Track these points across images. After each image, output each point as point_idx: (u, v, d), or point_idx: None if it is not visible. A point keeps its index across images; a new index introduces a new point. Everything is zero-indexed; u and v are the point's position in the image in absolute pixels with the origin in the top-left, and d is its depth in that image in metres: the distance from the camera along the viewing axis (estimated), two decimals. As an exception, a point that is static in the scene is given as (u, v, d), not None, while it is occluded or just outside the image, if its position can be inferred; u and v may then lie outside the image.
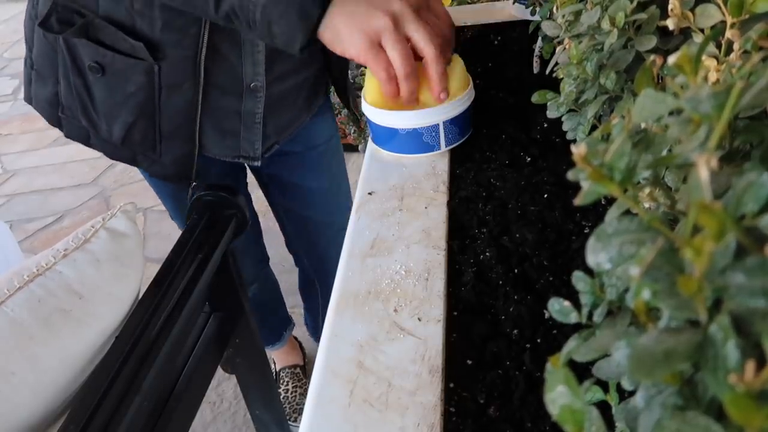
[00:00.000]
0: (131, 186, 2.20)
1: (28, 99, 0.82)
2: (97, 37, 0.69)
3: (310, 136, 0.93)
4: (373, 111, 0.64)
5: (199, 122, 0.74)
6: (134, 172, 0.86)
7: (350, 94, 0.90)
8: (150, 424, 0.60)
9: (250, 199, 1.00)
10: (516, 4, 0.91)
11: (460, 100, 0.62)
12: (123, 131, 0.75)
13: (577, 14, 0.45)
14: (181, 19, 0.65)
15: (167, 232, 1.88)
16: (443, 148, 0.64)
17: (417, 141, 0.63)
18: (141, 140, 0.75)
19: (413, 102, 0.57)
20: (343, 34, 0.50)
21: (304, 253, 1.13)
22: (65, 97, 0.77)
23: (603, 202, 0.52)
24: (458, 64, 0.61)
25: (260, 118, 0.79)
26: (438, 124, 0.62)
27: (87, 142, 0.81)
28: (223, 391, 1.43)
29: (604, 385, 0.29)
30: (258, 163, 0.83)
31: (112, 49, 0.69)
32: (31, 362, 0.52)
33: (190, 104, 0.73)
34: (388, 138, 0.65)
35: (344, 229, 0.57)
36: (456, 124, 0.63)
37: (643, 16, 0.38)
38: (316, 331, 1.37)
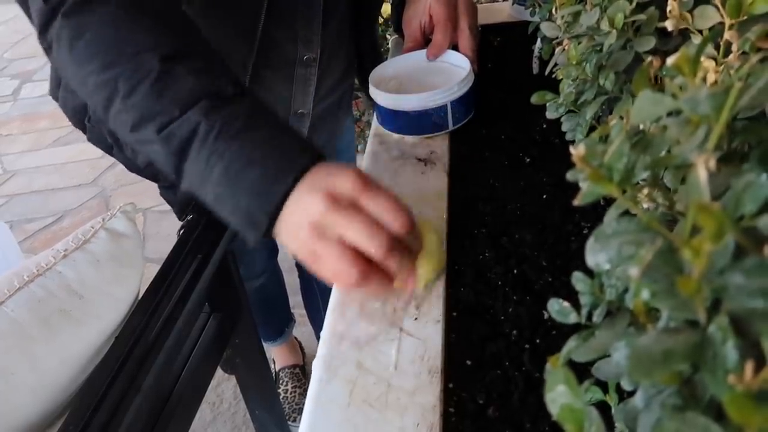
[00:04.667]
0: (131, 186, 2.20)
1: (54, 97, 0.80)
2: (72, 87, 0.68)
3: (336, 140, 0.95)
4: (382, 95, 0.67)
5: None
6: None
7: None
8: (150, 424, 0.60)
9: None
10: (515, 5, 0.92)
11: (464, 81, 0.65)
12: (147, 160, 0.74)
13: (576, 15, 0.45)
14: (225, 51, 0.59)
15: (167, 233, 1.88)
16: (451, 127, 0.67)
17: (426, 122, 0.66)
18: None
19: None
20: (290, 246, 0.47)
21: None
22: (94, 113, 0.76)
23: (602, 203, 0.52)
24: (430, 234, 0.49)
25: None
26: (446, 105, 0.65)
27: (109, 153, 0.80)
28: (223, 391, 1.43)
29: (603, 386, 0.29)
30: None
31: None
32: (31, 362, 0.52)
33: None
34: (398, 120, 0.67)
35: None
36: (462, 103, 0.66)
37: (642, 17, 0.38)
38: (319, 330, 1.38)
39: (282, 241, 0.48)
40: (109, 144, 0.79)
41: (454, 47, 0.74)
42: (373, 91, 0.68)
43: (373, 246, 0.43)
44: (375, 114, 0.72)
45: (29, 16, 0.54)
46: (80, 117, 0.79)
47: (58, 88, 0.79)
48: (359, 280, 0.44)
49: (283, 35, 0.72)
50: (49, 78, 0.81)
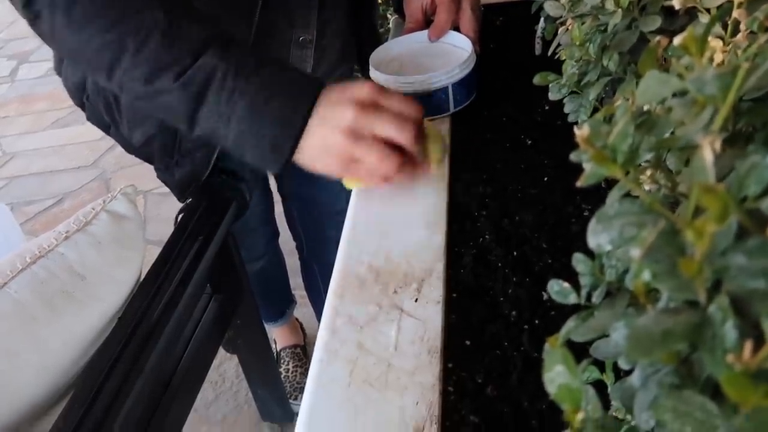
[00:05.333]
0: (131, 168, 2.19)
1: (58, 72, 0.80)
2: (65, 57, 0.67)
3: None
4: (383, 77, 0.66)
5: None
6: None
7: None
8: (153, 404, 0.61)
9: (267, 177, 1.00)
10: (518, -17, 0.90)
11: (465, 62, 0.64)
12: (143, 138, 0.74)
13: (581, -6, 0.44)
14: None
15: (167, 215, 1.88)
16: (452, 109, 0.66)
17: (427, 104, 0.65)
18: (160, 150, 0.75)
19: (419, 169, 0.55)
20: (317, 162, 0.52)
21: (304, 232, 1.14)
22: (91, 90, 0.76)
23: (603, 185, 0.52)
24: (432, 131, 0.57)
25: None
26: (447, 87, 0.64)
27: (107, 132, 0.80)
28: (225, 370, 1.44)
29: (600, 365, 0.29)
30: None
31: None
32: (35, 343, 0.52)
33: None
34: None
35: (343, 211, 0.57)
36: (463, 85, 0.65)
37: (647, -4, 0.37)
38: (319, 311, 1.39)
39: (307, 161, 0.52)
40: (107, 123, 0.78)
41: (456, 28, 0.73)
42: (374, 73, 0.68)
43: (403, 136, 0.50)
44: None
45: None
46: (80, 94, 0.78)
47: (61, 62, 0.78)
48: (396, 168, 0.50)
49: (279, 15, 0.71)
50: (53, 52, 0.80)
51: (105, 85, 0.56)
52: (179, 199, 0.79)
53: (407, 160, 0.52)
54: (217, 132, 0.51)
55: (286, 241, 1.19)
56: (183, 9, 0.51)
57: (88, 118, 0.81)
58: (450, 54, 0.71)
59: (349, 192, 0.59)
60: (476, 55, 0.67)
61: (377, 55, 0.71)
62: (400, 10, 0.84)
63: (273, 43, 0.73)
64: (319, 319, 1.49)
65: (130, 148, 0.79)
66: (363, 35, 0.84)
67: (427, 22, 0.77)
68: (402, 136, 0.50)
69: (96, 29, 0.50)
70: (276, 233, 1.14)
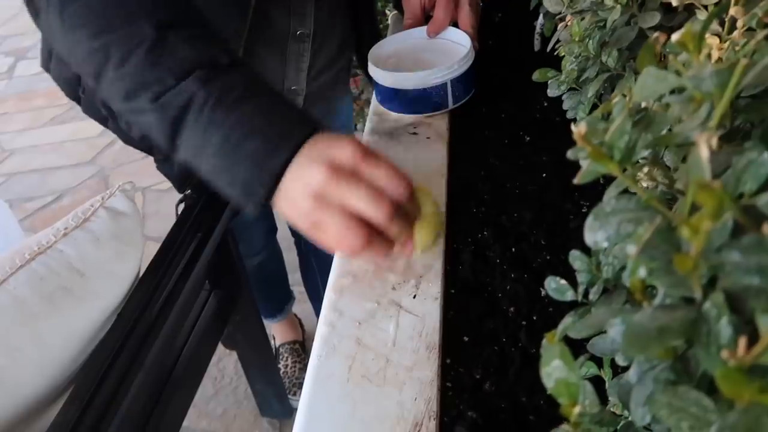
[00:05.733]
0: (130, 165, 2.19)
1: (46, 68, 0.78)
2: (60, 55, 0.64)
3: (331, 119, 0.95)
4: (381, 73, 0.66)
5: None
6: (133, 152, 0.86)
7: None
8: (153, 399, 0.61)
9: None
10: (518, -21, 0.90)
11: (464, 58, 0.64)
12: (141, 130, 0.73)
13: (580, -10, 0.44)
14: (217, 23, 0.57)
15: (166, 211, 1.88)
16: (451, 106, 0.66)
17: (426, 101, 0.65)
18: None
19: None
20: (287, 214, 0.47)
21: None
22: (86, 82, 0.75)
23: (601, 182, 0.52)
24: (427, 201, 0.49)
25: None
26: (446, 83, 0.64)
27: (105, 125, 0.79)
28: (224, 366, 1.45)
29: (598, 361, 0.29)
30: None
31: None
32: (35, 339, 0.52)
33: None
34: (397, 99, 0.66)
35: None
36: (462, 81, 0.65)
37: (646, -8, 0.37)
38: (318, 307, 1.39)
39: (281, 211, 0.47)
40: (104, 115, 0.78)
41: (455, 24, 0.73)
42: (372, 69, 0.68)
43: (376, 213, 0.44)
44: (374, 92, 0.71)
45: None
46: (74, 88, 0.77)
47: (50, 59, 0.78)
48: (363, 246, 0.44)
49: (276, 9, 0.70)
50: (40, 49, 0.79)
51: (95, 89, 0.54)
52: (179, 191, 0.78)
53: (379, 237, 0.45)
54: (193, 161, 0.48)
55: (285, 236, 1.19)
56: (177, 26, 0.48)
57: (85, 112, 0.80)
58: (449, 50, 0.71)
59: None
60: (475, 51, 0.67)
61: (376, 50, 0.71)
62: (398, 6, 0.83)
63: (270, 37, 0.72)
64: (317, 315, 1.49)
65: (128, 139, 0.78)
66: (362, 30, 0.84)
67: (425, 18, 0.77)
68: (374, 211, 0.43)
69: (84, 34, 0.48)
70: (274, 228, 1.14)
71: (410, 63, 0.70)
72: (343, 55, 0.85)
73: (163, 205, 1.95)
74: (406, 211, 0.46)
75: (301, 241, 1.18)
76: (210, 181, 0.48)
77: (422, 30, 0.74)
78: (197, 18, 0.51)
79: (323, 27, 0.76)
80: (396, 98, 0.66)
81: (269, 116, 0.46)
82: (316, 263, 1.20)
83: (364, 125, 0.71)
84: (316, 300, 1.33)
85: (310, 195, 0.44)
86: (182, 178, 0.77)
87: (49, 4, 0.49)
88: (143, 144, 0.77)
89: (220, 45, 0.50)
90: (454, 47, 0.71)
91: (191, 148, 0.47)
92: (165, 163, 0.78)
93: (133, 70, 0.47)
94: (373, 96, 0.72)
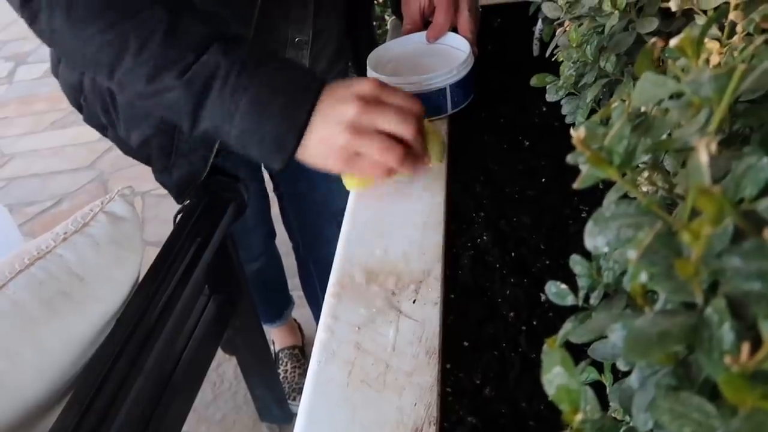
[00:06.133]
0: (129, 170, 2.19)
1: (55, 74, 0.80)
2: (63, 56, 0.66)
3: None
4: (380, 78, 0.65)
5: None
6: (132, 156, 0.87)
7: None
8: (152, 404, 0.61)
9: (263, 179, 1.01)
10: (517, -16, 0.90)
11: (463, 63, 0.65)
12: (140, 139, 0.74)
13: (579, -5, 0.45)
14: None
15: (165, 216, 1.88)
16: (450, 110, 0.67)
17: (425, 105, 0.65)
18: (157, 150, 0.75)
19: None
20: (321, 159, 0.52)
21: (299, 231, 1.14)
22: (88, 90, 0.76)
23: (600, 187, 0.52)
24: (430, 128, 0.58)
25: None
26: (445, 88, 0.64)
27: (104, 134, 0.80)
28: (224, 371, 1.44)
29: (599, 366, 0.29)
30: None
31: None
32: (34, 343, 0.52)
33: None
34: None
35: (341, 209, 0.58)
36: (461, 86, 0.66)
37: (645, -3, 0.37)
38: (317, 312, 1.39)
39: (309, 158, 0.53)
40: (103, 124, 0.78)
41: (454, 29, 0.73)
42: (371, 74, 0.68)
43: (406, 130, 0.51)
44: None
45: None
46: (77, 95, 0.78)
47: (58, 64, 0.78)
48: (400, 161, 0.51)
49: (276, 16, 0.71)
50: (50, 54, 0.80)
51: (106, 84, 0.56)
52: (177, 201, 0.79)
53: (408, 153, 0.52)
54: (221, 129, 0.52)
55: (284, 241, 1.19)
56: (184, 8, 0.52)
57: (85, 120, 0.80)
58: (448, 55, 0.71)
59: (345, 192, 0.59)
60: (474, 57, 0.67)
61: (375, 55, 0.71)
62: (398, 12, 0.84)
63: (269, 43, 0.73)
64: (316, 320, 1.49)
65: (127, 149, 0.79)
66: (359, 36, 0.84)
67: (425, 23, 0.77)
68: (404, 129, 0.51)
69: (97, 29, 0.50)
70: (273, 233, 1.14)
71: (409, 68, 0.70)
72: (339, 62, 0.86)
73: (162, 210, 1.95)
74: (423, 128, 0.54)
75: (299, 246, 1.18)
76: (237, 145, 0.52)
77: (422, 35, 0.73)
78: (198, 2, 0.54)
79: (320, 34, 0.77)
80: None
81: (287, 75, 0.52)
82: (314, 268, 1.20)
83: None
84: (315, 305, 1.32)
85: (346, 128, 0.50)
86: (181, 187, 0.77)
87: (53, 7, 0.50)
88: (142, 153, 0.77)
89: (225, 22, 0.54)
90: (453, 52, 0.71)
91: (217, 117, 0.51)
92: (164, 173, 0.78)
93: (154, 53, 0.50)
94: None
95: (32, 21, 0.53)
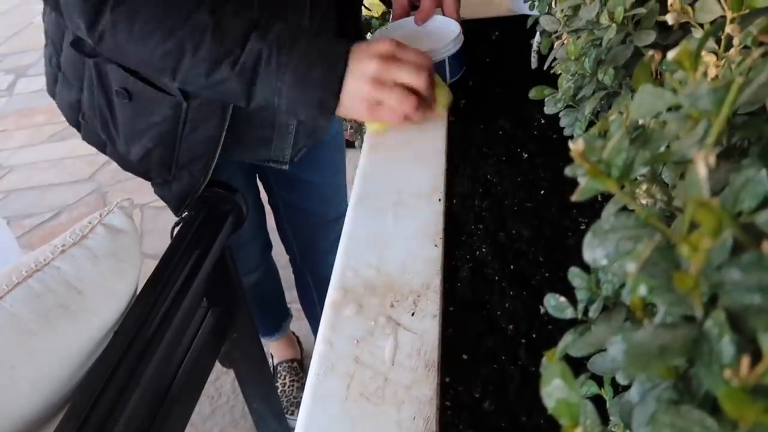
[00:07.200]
0: (128, 182, 2.19)
1: (51, 94, 0.82)
2: (130, 66, 0.69)
3: (321, 136, 0.96)
4: None
5: (232, 130, 0.75)
6: (131, 168, 0.88)
7: None
8: (149, 418, 0.60)
9: (258, 190, 1.01)
10: (514, -2, 0.91)
11: (456, 38, 0.73)
12: (141, 153, 0.75)
13: (576, 9, 0.45)
14: None
15: (164, 229, 1.87)
16: (449, 80, 0.74)
17: None
18: (158, 163, 0.76)
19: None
20: (351, 110, 0.62)
21: (296, 243, 1.14)
22: (87, 108, 0.77)
23: (599, 199, 0.52)
24: (438, 80, 0.68)
25: (293, 129, 0.83)
26: (444, 60, 0.73)
27: (103, 151, 0.81)
28: (222, 384, 1.43)
29: (598, 380, 0.29)
30: (286, 167, 0.87)
31: (143, 79, 0.69)
32: (31, 356, 0.52)
33: (212, 139, 0.74)
34: None
35: (337, 220, 0.59)
36: (457, 59, 0.74)
37: (642, 10, 0.37)
38: (314, 325, 1.38)
39: (342, 110, 0.62)
40: (103, 141, 0.79)
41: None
42: None
43: (419, 82, 0.61)
44: None
45: (63, 17, 0.61)
46: (75, 114, 0.78)
47: (55, 84, 0.79)
48: (416, 107, 0.61)
49: (276, 16, 0.72)
50: (45, 74, 0.80)
51: (171, 84, 0.64)
52: (175, 214, 0.79)
53: (421, 101, 0.62)
54: (272, 102, 0.61)
55: (281, 254, 1.19)
56: (219, 7, 0.59)
57: (84, 138, 0.81)
58: (438, 34, 0.76)
59: (340, 202, 0.61)
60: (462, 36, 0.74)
61: (376, 37, 0.78)
62: (386, 1, 0.88)
63: None
64: (314, 332, 1.49)
65: (126, 164, 0.80)
66: (346, 27, 0.87)
67: (412, 8, 0.83)
68: (418, 81, 0.61)
69: (157, 41, 0.58)
70: (269, 245, 1.14)
71: None
72: None
73: (161, 223, 1.95)
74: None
75: (296, 258, 1.18)
76: (288, 113, 0.62)
77: (410, 20, 0.80)
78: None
79: (316, 20, 0.79)
80: None
81: (317, 47, 0.60)
82: (311, 280, 1.20)
83: (361, 143, 0.71)
84: (313, 317, 1.32)
85: (369, 80, 0.59)
86: (180, 200, 0.77)
87: (116, 28, 0.58)
88: (142, 168, 0.78)
89: (253, 9, 0.65)
90: (442, 32, 0.76)
91: (268, 93, 0.60)
92: (163, 186, 0.79)
93: (207, 53, 0.59)
94: None
95: (99, 42, 0.60)
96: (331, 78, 0.60)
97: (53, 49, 0.78)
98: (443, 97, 0.66)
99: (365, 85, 0.60)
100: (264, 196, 1.08)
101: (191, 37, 0.58)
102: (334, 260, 0.53)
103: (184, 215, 0.76)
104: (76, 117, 0.79)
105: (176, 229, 0.73)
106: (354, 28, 0.88)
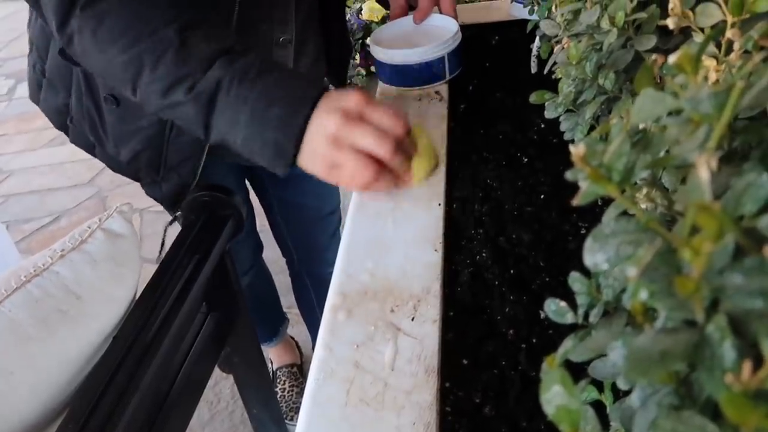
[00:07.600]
0: (127, 187, 2.19)
1: (35, 101, 0.82)
2: (95, 73, 0.69)
3: None
4: (389, 52, 0.74)
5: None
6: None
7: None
8: (148, 423, 0.60)
9: (248, 191, 1.01)
10: (514, 3, 0.91)
11: (455, 36, 0.74)
12: (130, 155, 0.76)
13: (576, 13, 0.45)
14: None
15: (164, 232, 1.87)
16: (448, 76, 0.75)
17: (427, 73, 0.74)
18: (146, 165, 0.77)
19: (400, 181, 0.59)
20: (309, 165, 0.56)
21: (292, 241, 1.13)
22: (75, 112, 0.77)
23: (599, 203, 0.52)
24: (422, 138, 0.59)
25: None
26: (444, 56, 0.73)
27: (92, 153, 0.81)
28: (221, 390, 1.43)
29: (599, 385, 0.29)
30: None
31: None
32: (30, 362, 0.52)
33: (198, 142, 0.74)
34: (402, 75, 0.76)
35: (332, 213, 0.59)
36: (456, 55, 0.75)
37: (643, 15, 0.38)
38: (312, 329, 1.37)
39: (304, 163, 0.56)
40: (91, 143, 0.79)
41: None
42: (379, 51, 0.75)
43: (381, 149, 0.53)
44: (379, 75, 0.79)
45: (41, 15, 0.58)
46: (62, 118, 0.79)
47: (39, 90, 0.79)
48: (374, 178, 0.54)
49: (258, 17, 0.73)
50: (28, 81, 0.81)
51: (133, 99, 0.60)
52: (170, 212, 0.79)
53: (385, 171, 0.55)
54: (228, 137, 0.56)
55: (275, 261, 1.18)
56: (192, 28, 0.55)
57: (72, 140, 0.82)
58: (436, 32, 0.77)
59: (333, 196, 0.60)
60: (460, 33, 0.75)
61: (373, 39, 0.79)
62: (384, 2, 0.88)
63: (255, 44, 0.75)
64: (312, 336, 1.47)
65: (116, 165, 0.80)
66: (332, 38, 0.87)
67: (410, 7, 0.84)
68: (379, 149, 0.53)
69: (118, 49, 0.55)
70: (260, 245, 1.13)
71: (405, 46, 0.77)
72: (319, 59, 0.88)
73: (160, 227, 1.95)
74: (404, 148, 0.56)
75: (293, 259, 1.17)
76: (244, 151, 0.56)
77: (408, 19, 0.81)
78: (205, 17, 0.58)
79: (302, 33, 0.80)
80: (400, 74, 0.75)
81: (286, 85, 0.55)
82: (309, 281, 1.19)
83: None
84: (311, 322, 1.31)
85: (328, 139, 0.53)
86: (171, 199, 0.78)
87: (82, 30, 0.55)
88: (131, 169, 0.78)
89: (231, 37, 0.58)
90: (440, 29, 0.78)
91: (224, 125, 0.55)
92: (153, 186, 0.79)
93: (166, 70, 0.54)
94: (378, 84, 0.79)
95: (68, 44, 0.58)
96: (292, 121, 0.53)
97: (38, 56, 0.78)
98: (423, 166, 0.58)
99: (323, 143, 0.53)
100: (254, 198, 1.07)
101: (152, 52, 0.54)
102: (331, 258, 0.53)
103: (177, 215, 0.76)
104: (63, 120, 0.79)
105: (176, 233, 0.73)
106: (340, 30, 0.88)
